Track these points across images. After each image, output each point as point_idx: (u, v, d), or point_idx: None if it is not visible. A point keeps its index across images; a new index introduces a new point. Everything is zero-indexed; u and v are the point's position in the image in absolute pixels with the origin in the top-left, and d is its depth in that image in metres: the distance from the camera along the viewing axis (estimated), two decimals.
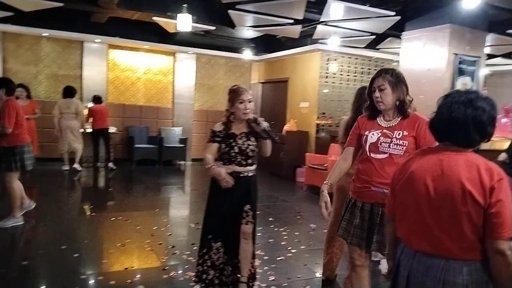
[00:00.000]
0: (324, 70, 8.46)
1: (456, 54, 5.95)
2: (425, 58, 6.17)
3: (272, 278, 3.49)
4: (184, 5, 6.36)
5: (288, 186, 8.04)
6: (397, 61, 7.22)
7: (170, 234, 4.58)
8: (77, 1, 6.86)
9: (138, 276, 3.40)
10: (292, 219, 5.54)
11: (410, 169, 1.68)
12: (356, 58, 8.75)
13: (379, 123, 2.38)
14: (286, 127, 8.81)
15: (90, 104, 8.33)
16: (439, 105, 1.65)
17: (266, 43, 9.67)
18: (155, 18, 7.30)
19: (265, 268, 3.67)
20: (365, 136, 2.38)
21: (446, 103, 1.61)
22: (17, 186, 4.49)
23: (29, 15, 7.08)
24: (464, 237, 1.53)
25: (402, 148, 2.27)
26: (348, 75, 8.73)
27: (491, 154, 3.24)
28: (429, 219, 1.60)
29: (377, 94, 2.31)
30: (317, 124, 8.50)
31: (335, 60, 8.55)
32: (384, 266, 3.60)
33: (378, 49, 8.33)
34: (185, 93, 9.98)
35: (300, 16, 6.44)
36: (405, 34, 6.55)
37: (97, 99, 8.27)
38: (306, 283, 3.47)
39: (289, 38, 8.50)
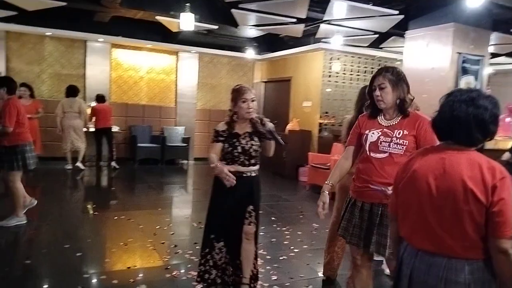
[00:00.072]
0: (327, 69, 8.43)
1: (460, 53, 5.92)
2: (428, 57, 6.14)
3: (274, 277, 3.48)
4: (187, 4, 6.36)
5: (291, 185, 8.03)
6: (401, 60, 7.19)
7: (172, 233, 4.59)
8: (80, 1, 6.88)
9: (141, 275, 3.41)
10: (295, 218, 5.54)
11: (413, 167, 1.68)
12: (359, 57, 8.73)
13: (380, 122, 2.36)
14: (289, 126, 8.80)
15: (93, 103, 8.36)
16: (441, 104, 1.64)
17: (269, 42, 9.65)
18: (158, 17, 7.32)
19: (267, 267, 3.67)
20: (365, 135, 2.37)
21: (448, 101, 1.61)
22: (20, 185, 4.50)
23: (32, 15, 7.10)
24: (466, 235, 1.52)
25: (402, 148, 2.25)
26: (351, 74, 8.70)
27: (495, 154, 3.22)
28: (431, 217, 1.59)
29: (377, 92, 2.30)
30: (320, 124, 8.48)
31: (338, 59, 8.52)
32: (385, 266, 3.59)
33: (381, 48, 8.30)
34: (187, 92, 9.98)
35: (303, 15, 6.42)
36: (408, 33, 6.51)
37: (100, 98, 8.29)
38: (309, 282, 3.47)
39: (292, 37, 8.48)
